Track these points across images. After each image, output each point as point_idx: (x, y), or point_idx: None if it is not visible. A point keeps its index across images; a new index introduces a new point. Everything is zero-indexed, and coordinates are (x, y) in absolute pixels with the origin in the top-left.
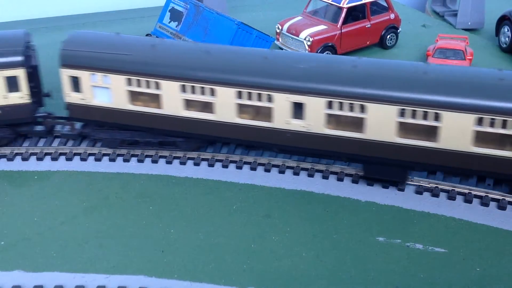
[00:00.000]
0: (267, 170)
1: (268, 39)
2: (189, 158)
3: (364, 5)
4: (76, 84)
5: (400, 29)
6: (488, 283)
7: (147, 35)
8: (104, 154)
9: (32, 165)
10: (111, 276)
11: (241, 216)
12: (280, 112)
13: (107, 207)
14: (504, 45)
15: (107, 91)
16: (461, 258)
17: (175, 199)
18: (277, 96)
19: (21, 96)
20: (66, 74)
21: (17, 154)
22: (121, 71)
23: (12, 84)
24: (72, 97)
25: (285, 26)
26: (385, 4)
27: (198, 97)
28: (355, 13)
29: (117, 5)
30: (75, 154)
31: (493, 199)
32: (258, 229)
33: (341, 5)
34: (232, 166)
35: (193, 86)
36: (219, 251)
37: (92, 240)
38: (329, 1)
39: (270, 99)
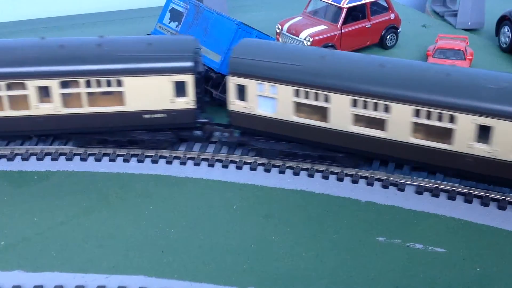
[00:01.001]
0: (267, 170)
1: (268, 39)
2: (189, 158)
3: (364, 5)
4: (241, 92)
5: (400, 29)
6: (488, 283)
7: (147, 35)
8: (104, 154)
9: (32, 165)
10: (111, 276)
11: (241, 216)
12: (463, 135)
13: (107, 207)
14: (504, 45)
15: (272, 101)
16: (461, 258)
17: (175, 199)
18: (461, 117)
19: (187, 102)
20: (233, 82)
21: (17, 154)
22: (289, 82)
23: (180, 89)
24: (236, 105)
25: (285, 26)
26: (385, 4)
27: (370, 112)
28: (355, 13)
29: (117, 5)
30: (75, 154)
31: (493, 199)
32: (258, 229)
33: (341, 5)
34: (232, 166)
35: (365, 101)
36: (219, 251)
37: (92, 240)
38: (329, 1)
39: (452, 119)
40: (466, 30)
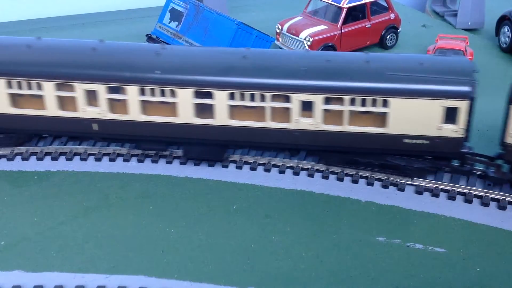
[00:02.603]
0: (267, 170)
1: (268, 39)
2: (189, 158)
3: (364, 5)
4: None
5: (400, 29)
6: (488, 283)
7: (147, 35)
8: (104, 154)
9: (32, 165)
10: (111, 276)
11: (241, 216)
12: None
13: (107, 207)
14: (504, 45)
15: None
16: (461, 258)
17: (175, 199)
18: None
19: (456, 130)
20: None
21: (17, 154)
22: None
23: (450, 116)
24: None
25: (285, 26)
26: (385, 4)
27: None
28: (355, 13)
29: (117, 5)
30: (75, 154)
31: (493, 199)
32: (258, 229)
33: (341, 5)
34: (232, 166)
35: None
36: (219, 251)
37: (92, 240)
38: (329, 1)
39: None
40: (466, 30)
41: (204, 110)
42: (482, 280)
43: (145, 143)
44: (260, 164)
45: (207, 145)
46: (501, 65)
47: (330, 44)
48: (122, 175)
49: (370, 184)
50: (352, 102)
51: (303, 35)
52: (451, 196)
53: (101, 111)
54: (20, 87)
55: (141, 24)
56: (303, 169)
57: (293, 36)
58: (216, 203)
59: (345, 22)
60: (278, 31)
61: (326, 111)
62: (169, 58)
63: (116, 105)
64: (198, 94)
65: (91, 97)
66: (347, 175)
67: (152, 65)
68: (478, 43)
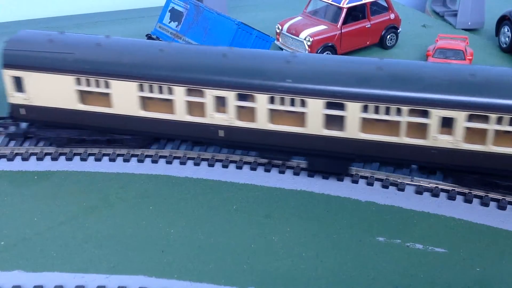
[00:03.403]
0: (267, 170)
1: (268, 39)
2: (189, 158)
3: (364, 5)
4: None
5: (400, 29)
6: (488, 283)
7: (147, 35)
8: (104, 154)
9: (32, 165)
10: (111, 276)
11: (241, 216)
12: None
13: (107, 207)
14: (504, 45)
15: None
16: (461, 258)
17: (175, 199)
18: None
19: None
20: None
21: (17, 154)
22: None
23: None
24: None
25: (285, 26)
26: (385, 4)
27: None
28: (355, 13)
29: (117, 5)
30: (75, 154)
31: (493, 199)
32: (258, 229)
33: (341, 5)
34: (232, 166)
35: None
36: (219, 251)
37: (92, 240)
38: (329, 1)
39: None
40: (466, 30)
41: (333, 121)
42: (482, 280)
43: (269, 152)
44: (260, 164)
45: (333, 158)
46: (501, 65)
47: (330, 44)
48: (122, 175)
49: (370, 184)
50: (499, 120)
51: (303, 35)
52: (451, 196)
53: (228, 118)
54: (151, 91)
55: (141, 24)
56: (303, 169)
57: (293, 36)
58: (216, 203)
59: (345, 22)
60: (278, 31)
61: (468, 128)
62: (300, 66)
63: (244, 112)
64: (329, 105)
65: (219, 103)
66: (347, 175)
67: (283, 73)
68: (478, 43)
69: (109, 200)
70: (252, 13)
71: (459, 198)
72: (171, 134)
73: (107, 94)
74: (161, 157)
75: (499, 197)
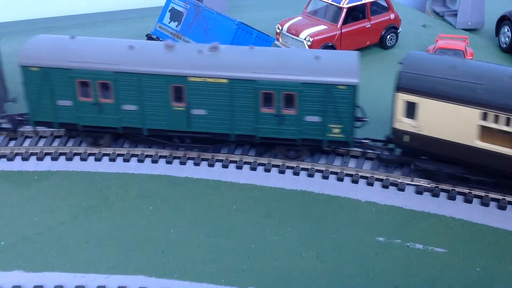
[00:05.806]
0: (267, 170)
1: (268, 39)
2: (189, 158)
3: (364, 5)
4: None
5: (400, 29)
6: (488, 283)
7: (147, 35)
8: (104, 154)
9: (32, 165)
10: (111, 276)
11: (241, 216)
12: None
13: (107, 207)
14: (504, 45)
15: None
16: (461, 258)
17: (175, 199)
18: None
19: None
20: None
21: (17, 154)
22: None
23: None
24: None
25: (285, 26)
26: (385, 4)
27: None
28: (355, 13)
29: (117, 5)
30: (75, 154)
31: (493, 199)
32: (258, 229)
33: (341, 5)
34: (232, 166)
35: None
36: (219, 251)
37: (92, 240)
38: (329, 1)
39: None
40: (466, 30)
41: None
42: (482, 280)
43: None
44: (260, 164)
45: None
46: None
47: (330, 44)
48: (122, 175)
49: (370, 184)
50: None
51: (303, 35)
52: (451, 196)
53: None
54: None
55: (141, 24)
56: (303, 169)
57: (293, 36)
58: (216, 203)
59: (345, 22)
60: (278, 31)
61: None
62: None
63: None
64: None
65: None
66: (347, 175)
67: None
68: (478, 43)
69: (109, 200)
70: (252, 13)
71: (459, 198)
72: None
73: (510, 133)
74: (161, 157)
75: (499, 197)
